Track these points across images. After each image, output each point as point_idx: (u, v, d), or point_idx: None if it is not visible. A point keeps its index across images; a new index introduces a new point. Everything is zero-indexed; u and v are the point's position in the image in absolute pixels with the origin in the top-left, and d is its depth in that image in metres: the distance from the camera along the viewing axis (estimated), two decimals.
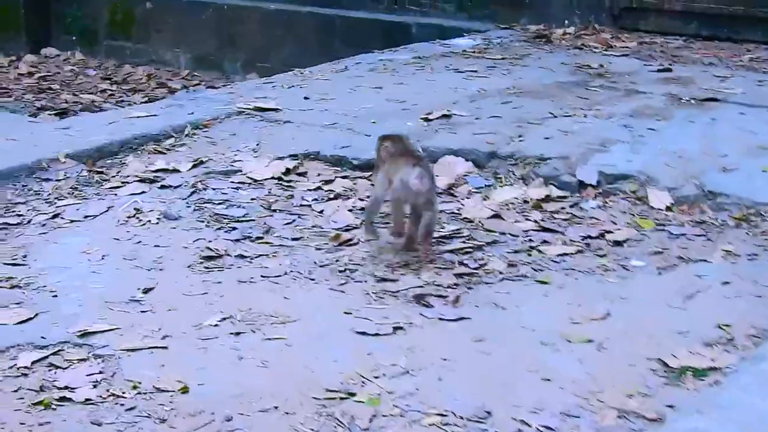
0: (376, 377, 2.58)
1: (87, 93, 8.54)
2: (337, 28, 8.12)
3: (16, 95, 8.54)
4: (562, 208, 3.78)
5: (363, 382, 2.55)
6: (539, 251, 3.40)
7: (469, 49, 6.40)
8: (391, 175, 3.22)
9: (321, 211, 3.77)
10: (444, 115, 4.68)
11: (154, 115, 4.82)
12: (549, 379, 2.58)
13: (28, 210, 3.76)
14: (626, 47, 6.46)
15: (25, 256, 3.34)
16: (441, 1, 7.75)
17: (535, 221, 3.64)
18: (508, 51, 6.32)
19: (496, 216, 3.70)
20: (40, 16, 10.20)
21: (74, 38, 9.87)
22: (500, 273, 3.23)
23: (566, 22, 7.09)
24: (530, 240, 3.50)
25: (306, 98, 5.10)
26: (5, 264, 3.27)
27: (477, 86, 5.27)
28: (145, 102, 7.96)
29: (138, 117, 4.79)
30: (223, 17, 8.96)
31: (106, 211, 3.75)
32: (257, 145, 4.42)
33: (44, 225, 3.62)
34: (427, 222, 3.22)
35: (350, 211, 3.76)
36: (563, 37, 6.82)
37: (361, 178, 4.07)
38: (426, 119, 4.64)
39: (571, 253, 3.38)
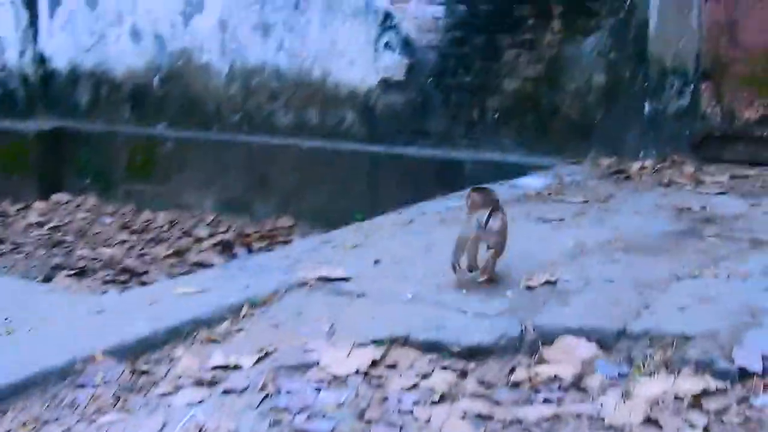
0: None
1: (104, 245, 7.94)
2: (381, 167, 7.56)
3: (27, 250, 7.93)
4: (728, 406, 3.09)
5: None
6: None
7: (543, 190, 5.82)
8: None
9: (427, 421, 3.09)
10: (548, 281, 4.03)
11: (202, 291, 4.17)
12: None
13: (63, 431, 3.08)
14: (718, 182, 5.89)
15: None
16: (497, 135, 7.19)
17: (704, 430, 2.94)
18: (588, 191, 5.74)
19: (651, 421, 3.01)
20: (51, 159, 9.68)
21: (88, 181, 9.29)
22: None
23: (641, 154, 6.52)
24: None
25: (377, 262, 4.47)
26: None
27: (571, 239, 4.65)
28: (171, 254, 7.37)
29: (183, 293, 4.14)
30: (252, 156, 8.41)
31: (161, 430, 3.06)
32: (331, 327, 3.77)
33: None
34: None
35: (463, 419, 3.08)
36: (642, 172, 6.25)
37: (465, 371, 3.40)
38: (528, 287, 3.99)
39: None
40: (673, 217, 5.01)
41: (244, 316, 3.95)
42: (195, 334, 3.79)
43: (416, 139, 7.67)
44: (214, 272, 4.54)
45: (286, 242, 7.85)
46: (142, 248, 7.77)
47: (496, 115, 7.27)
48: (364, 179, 7.80)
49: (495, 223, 3.89)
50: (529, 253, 4.44)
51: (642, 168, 6.36)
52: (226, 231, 8.34)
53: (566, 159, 6.80)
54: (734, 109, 6.45)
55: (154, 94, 9.08)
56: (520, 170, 6.75)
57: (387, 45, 7.77)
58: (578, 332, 3.57)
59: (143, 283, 6.39)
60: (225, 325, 3.88)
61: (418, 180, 7.46)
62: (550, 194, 5.73)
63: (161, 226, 8.64)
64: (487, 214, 3.89)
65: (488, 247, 3.93)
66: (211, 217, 8.77)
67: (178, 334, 3.75)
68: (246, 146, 8.58)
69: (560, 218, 5.05)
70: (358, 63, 7.93)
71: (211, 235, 8.19)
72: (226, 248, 7.53)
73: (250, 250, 7.48)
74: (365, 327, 3.75)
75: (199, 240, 8.00)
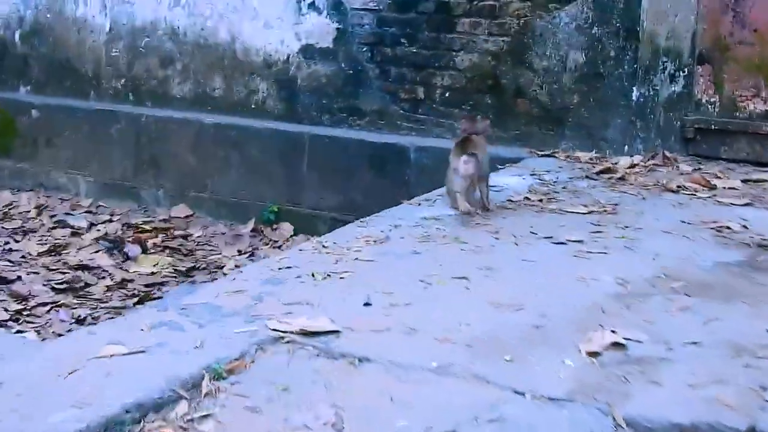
0: None
1: None
2: (302, 150, 6.47)
3: None
4: None
5: None
6: None
7: (528, 194, 4.88)
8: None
9: None
10: (615, 344, 3.08)
11: (140, 352, 3.05)
12: None
13: None
14: (733, 189, 5.08)
15: None
16: (448, 118, 6.19)
17: None
18: (584, 197, 4.86)
19: None
20: None
21: None
22: None
23: (626, 148, 5.64)
24: None
25: (367, 304, 3.43)
26: None
27: (606, 272, 3.72)
28: (46, 252, 6.11)
29: (112, 356, 3.01)
30: (140, 131, 7.18)
31: None
32: (336, 416, 2.71)
33: None
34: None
35: None
36: (633, 171, 5.39)
37: None
38: (592, 354, 3.03)
39: None
40: (716, 239, 4.15)
41: (206, 395, 2.85)
42: (142, 424, 2.68)
43: (346, 119, 6.60)
44: (148, 317, 3.38)
45: (185, 237, 6.69)
46: (7, 242, 6.44)
47: (446, 94, 6.28)
48: (280, 164, 6.71)
49: (477, 160, 4.46)
50: (566, 296, 3.49)
51: (632, 166, 5.50)
52: (110, 221, 7.09)
53: (532, 150, 5.88)
54: (736, 99, 5.63)
55: (15, 51, 7.68)
56: None
57: (312, 5, 6.65)
58: (690, 429, 2.62)
59: (20, 298, 5.15)
60: (181, 409, 2.77)
61: (349, 167, 6.43)
62: (541, 200, 4.79)
63: (26, 212, 7.31)
64: (468, 153, 4.45)
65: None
66: (89, 203, 7.49)
67: (119, 425, 2.63)
68: (132, 119, 7.34)
69: (578, 240, 4.10)
70: (275, 25, 6.79)
71: (92, 226, 6.93)
72: (114, 245, 6.30)
73: (144, 249, 6.28)
74: (386, 417, 2.71)
75: (77, 232, 6.73)
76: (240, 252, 6.40)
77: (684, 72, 5.74)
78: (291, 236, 6.68)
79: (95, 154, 7.49)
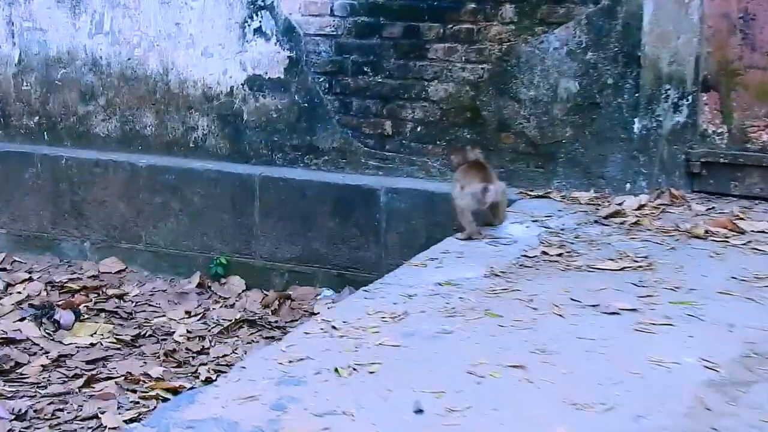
0: None
1: None
2: (253, 195, 5.81)
3: None
4: None
5: None
6: None
7: (541, 246, 4.33)
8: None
9: None
10: None
11: None
12: None
13: None
14: (763, 232, 4.59)
15: None
16: (420, 155, 5.62)
17: None
18: (607, 249, 4.36)
19: None
20: None
21: None
22: None
23: (627, 185, 5.14)
24: None
25: (419, 411, 2.82)
26: None
27: (683, 352, 3.20)
28: None
29: None
30: (58, 175, 6.41)
31: None
32: None
33: None
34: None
35: None
36: (644, 213, 4.90)
37: None
38: None
39: None
40: None
41: None
42: None
43: (302, 157, 5.96)
44: None
45: (120, 296, 5.94)
46: None
47: (418, 129, 5.68)
48: (227, 210, 6.02)
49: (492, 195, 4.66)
50: (653, 387, 2.96)
51: (640, 207, 5.00)
52: (29, 279, 6.27)
53: (522, 190, 5.33)
54: (747, 129, 5.20)
55: None
56: None
57: (258, 31, 5.99)
58: None
59: None
60: None
61: (308, 212, 5.79)
62: (560, 255, 4.26)
63: None
64: (482, 187, 4.62)
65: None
66: (1, 258, 6.65)
67: None
68: (49, 161, 6.54)
69: (630, 308, 3.56)
70: (216, 53, 6.12)
71: (9, 287, 6.11)
72: (42, 312, 5.51)
73: (78, 315, 5.51)
74: None
75: None
76: (189, 314, 5.68)
77: (688, 100, 5.27)
78: (242, 291, 5.99)
79: (7, 203, 6.66)
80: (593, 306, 3.61)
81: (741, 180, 5.24)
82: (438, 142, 5.66)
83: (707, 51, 5.22)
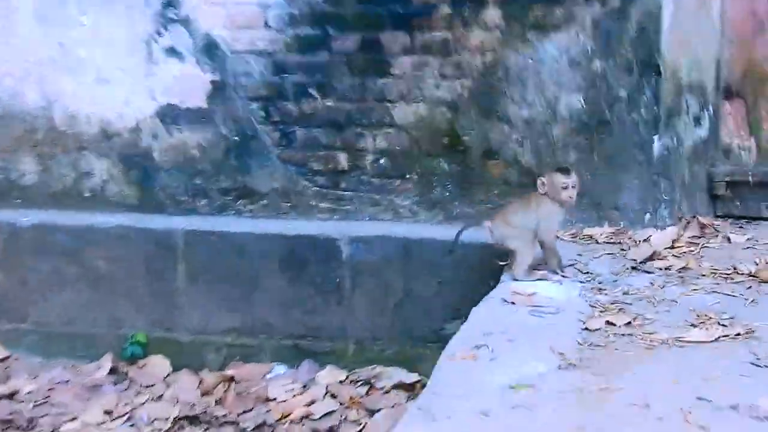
0: None
1: None
2: (179, 253, 4.85)
3: None
4: None
5: None
6: None
7: (596, 315, 3.58)
8: None
9: None
10: None
11: None
12: None
13: None
14: None
15: None
16: (386, 193, 4.76)
17: None
18: (674, 307, 3.76)
19: None
20: None
21: None
22: None
23: (647, 216, 4.44)
24: None
25: None
26: None
27: None
28: None
29: None
30: None
31: None
32: None
33: None
34: None
35: None
36: (683, 251, 4.18)
37: None
38: None
39: None
40: None
41: None
42: None
43: (233, 203, 5.00)
44: None
45: (10, 395, 4.82)
46: None
47: (381, 161, 4.82)
48: (139, 275, 4.99)
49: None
50: None
51: (673, 245, 4.28)
52: None
53: None
54: None
55: None
56: (437, 250, 4.43)
57: (171, 51, 4.99)
58: None
59: None
60: None
61: (250, 272, 4.85)
62: (629, 324, 3.48)
63: None
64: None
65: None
66: None
67: None
68: None
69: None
70: (115, 79, 5.10)
71: None
72: None
73: None
74: None
75: None
76: (109, 414, 4.61)
77: (709, 111, 4.61)
78: (169, 375, 4.96)
79: None
80: (732, 408, 2.81)
81: None
82: (408, 176, 4.80)
83: (730, 53, 4.56)
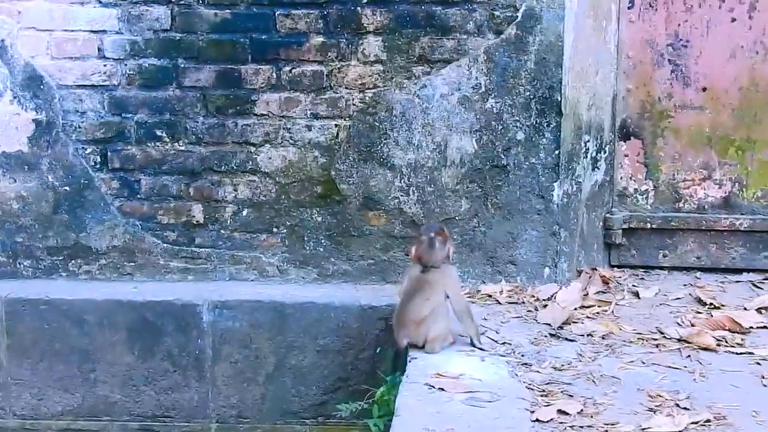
0: None
1: None
2: (1, 324, 4.27)
3: None
4: None
5: None
6: None
7: (542, 403, 3.40)
8: None
9: None
10: None
11: None
12: None
13: None
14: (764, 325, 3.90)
15: None
16: (248, 249, 4.36)
17: None
18: (621, 387, 3.55)
19: None
20: None
21: None
22: None
23: (546, 270, 4.27)
24: None
25: None
26: None
27: None
28: None
29: None
30: None
31: None
32: None
33: None
34: None
35: None
36: (595, 311, 4.06)
37: None
38: None
39: None
40: None
41: None
42: None
43: (65, 264, 4.45)
44: None
45: None
46: None
47: (244, 213, 4.38)
48: None
49: None
50: None
51: (584, 304, 4.10)
52: None
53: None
54: (678, 185, 4.48)
55: None
56: (318, 313, 4.14)
57: None
58: None
59: None
60: None
61: (88, 346, 4.36)
62: (582, 413, 3.20)
63: None
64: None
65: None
66: None
67: None
68: None
69: None
70: None
71: None
72: None
73: None
74: None
75: None
76: None
77: (605, 152, 4.42)
78: None
79: None
80: None
81: (672, 248, 4.51)
82: (275, 230, 4.37)
83: (627, 88, 4.38)
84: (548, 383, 3.44)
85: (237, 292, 4.32)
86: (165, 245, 4.42)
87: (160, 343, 4.28)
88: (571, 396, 3.35)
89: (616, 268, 4.54)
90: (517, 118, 4.20)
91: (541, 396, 3.35)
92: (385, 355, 4.10)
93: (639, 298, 4.25)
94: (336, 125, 4.29)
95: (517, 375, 3.50)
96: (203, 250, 4.42)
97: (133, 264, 4.44)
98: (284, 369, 4.25)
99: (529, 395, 3.36)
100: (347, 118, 4.27)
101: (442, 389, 3.38)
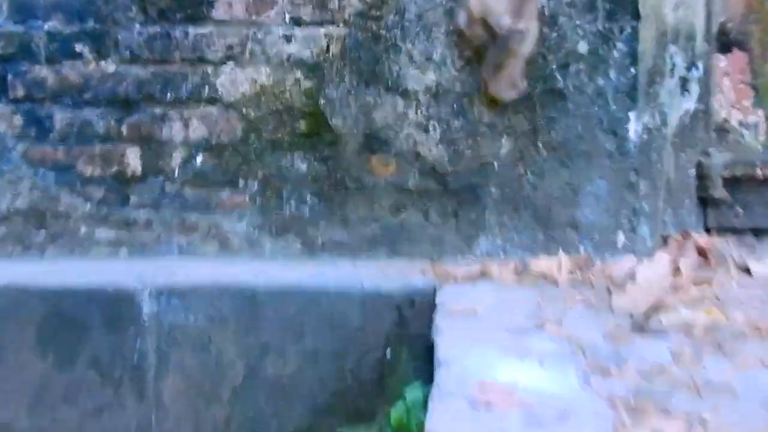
0: None
1: None
2: None
3: None
4: None
5: None
6: None
7: (614, 421, 2.52)
8: None
9: None
10: None
11: None
12: None
13: None
14: None
15: None
16: (205, 211, 3.52)
17: None
18: (736, 400, 2.63)
19: None
20: None
21: None
22: None
23: (620, 236, 3.37)
24: None
25: None
26: None
27: None
28: None
29: None
30: None
31: None
32: None
33: None
34: None
35: None
36: (691, 294, 3.28)
37: None
38: None
39: None
40: None
41: None
42: None
43: None
44: None
45: None
46: None
47: (198, 160, 3.56)
48: None
49: None
50: None
51: (676, 284, 3.23)
52: None
53: (426, 267, 3.39)
54: None
55: None
56: (306, 304, 3.36)
57: None
58: None
59: None
60: None
61: None
62: None
63: None
64: None
65: None
66: None
67: None
68: None
69: None
70: None
71: None
72: None
73: None
74: None
75: None
76: None
77: (698, 71, 3.51)
78: None
79: None
80: None
81: None
82: (242, 184, 3.50)
83: None
84: (635, 395, 2.55)
85: (190, 273, 3.45)
86: (88, 207, 3.57)
87: (83, 346, 3.40)
88: (669, 412, 2.45)
89: (715, 233, 3.66)
90: (578, 23, 3.30)
91: (627, 413, 2.45)
92: (399, 359, 3.21)
93: (750, 274, 3.38)
94: (326, 35, 3.42)
95: (590, 384, 2.62)
96: (141, 213, 3.57)
97: (43, 233, 3.59)
98: (257, 380, 3.39)
99: (609, 412, 2.46)
100: (341, 25, 3.41)
101: (489, 404, 2.48)
